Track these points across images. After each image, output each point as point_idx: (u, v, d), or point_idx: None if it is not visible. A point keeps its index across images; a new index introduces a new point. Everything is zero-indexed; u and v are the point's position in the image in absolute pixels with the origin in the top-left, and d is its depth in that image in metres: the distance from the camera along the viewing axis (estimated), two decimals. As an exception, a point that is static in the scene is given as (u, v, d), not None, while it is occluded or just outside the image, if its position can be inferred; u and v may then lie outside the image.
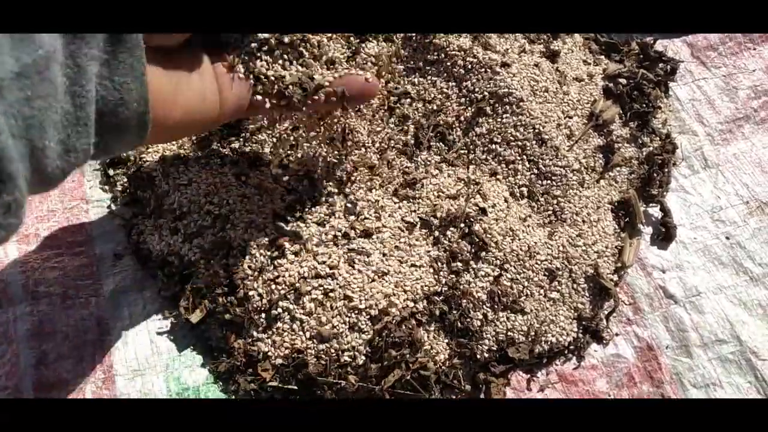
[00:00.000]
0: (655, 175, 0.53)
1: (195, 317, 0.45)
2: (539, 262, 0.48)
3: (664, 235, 0.53)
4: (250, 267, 0.45)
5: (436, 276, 0.46)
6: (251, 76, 0.39)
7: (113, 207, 0.50)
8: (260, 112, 0.41)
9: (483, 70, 0.51)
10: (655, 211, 0.54)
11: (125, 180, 0.50)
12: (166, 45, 0.34)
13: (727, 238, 0.53)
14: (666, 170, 0.54)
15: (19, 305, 0.45)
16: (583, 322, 0.49)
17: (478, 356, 0.46)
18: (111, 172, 0.51)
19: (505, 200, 0.49)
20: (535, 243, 0.48)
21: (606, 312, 0.50)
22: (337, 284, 0.44)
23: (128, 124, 0.30)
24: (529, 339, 0.47)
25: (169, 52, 0.34)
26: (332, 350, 0.43)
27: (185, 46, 0.36)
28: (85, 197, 0.50)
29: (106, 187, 0.51)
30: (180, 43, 0.35)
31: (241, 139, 0.51)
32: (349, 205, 0.48)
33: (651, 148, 0.54)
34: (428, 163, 0.51)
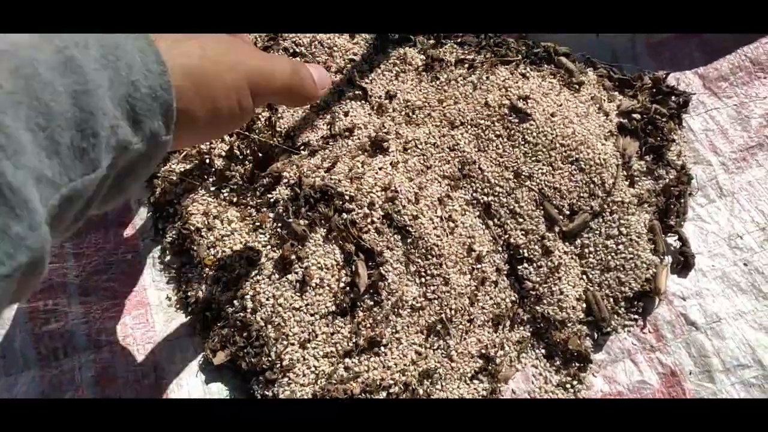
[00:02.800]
0: (672, 206, 0.56)
1: (217, 360, 0.49)
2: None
3: (683, 263, 0.55)
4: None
5: None
6: None
7: (164, 258, 0.54)
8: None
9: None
10: (673, 241, 0.56)
11: (174, 232, 0.54)
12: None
13: (745, 264, 0.55)
14: (682, 201, 0.56)
15: (83, 353, 0.50)
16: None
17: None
18: (160, 225, 0.55)
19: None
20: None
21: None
22: None
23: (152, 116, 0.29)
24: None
25: None
26: None
27: None
28: (138, 248, 0.54)
29: (157, 239, 0.55)
30: None
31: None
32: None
33: (667, 180, 0.57)
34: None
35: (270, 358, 0.48)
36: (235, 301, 0.50)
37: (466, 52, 0.60)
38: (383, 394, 0.47)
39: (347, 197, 0.51)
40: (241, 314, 0.49)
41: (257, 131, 0.57)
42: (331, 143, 0.56)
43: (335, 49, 0.60)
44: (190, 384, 0.50)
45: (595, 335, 0.53)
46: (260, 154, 0.56)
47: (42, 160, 0.24)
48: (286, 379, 0.47)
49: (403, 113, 0.58)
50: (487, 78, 0.57)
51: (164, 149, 0.31)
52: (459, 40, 0.61)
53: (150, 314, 0.52)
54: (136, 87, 0.27)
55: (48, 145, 0.24)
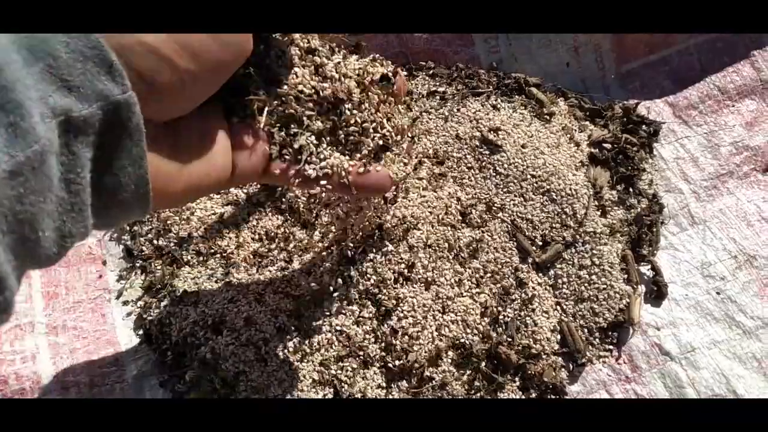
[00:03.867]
0: (644, 235, 0.56)
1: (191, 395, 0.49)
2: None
3: (657, 293, 0.55)
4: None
5: None
6: (274, 140, 0.37)
7: (132, 295, 0.54)
8: (276, 180, 0.39)
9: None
10: (646, 270, 0.56)
11: (142, 271, 0.54)
12: (176, 116, 0.32)
13: (718, 293, 0.55)
14: (654, 230, 0.56)
15: (50, 395, 0.49)
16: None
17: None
18: (126, 265, 0.55)
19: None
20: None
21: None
22: None
23: (129, 204, 0.29)
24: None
25: (177, 119, 0.32)
26: None
27: (195, 111, 0.33)
28: (108, 287, 0.54)
29: (126, 276, 0.55)
30: (190, 111, 0.33)
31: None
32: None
33: (639, 209, 0.57)
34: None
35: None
36: (202, 347, 0.49)
37: (438, 83, 0.60)
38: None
39: None
40: (210, 357, 0.49)
41: None
42: None
43: None
44: (159, 424, 0.49)
45: (571, 366, 0.53)
46: None
47: None
48: None
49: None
50: (458, 110, 0.57)
51: (131, 111, 0.28)
52: (431, 72, 0.61)
53: (119, 354, 0.51)
54: (55, 56, 0.26)
55: None
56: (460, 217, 0.54)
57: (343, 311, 0.50)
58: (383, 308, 0.50)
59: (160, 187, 0.31)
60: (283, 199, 0.55)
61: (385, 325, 0.50)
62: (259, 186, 0.56)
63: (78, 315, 0.52)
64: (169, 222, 0.55)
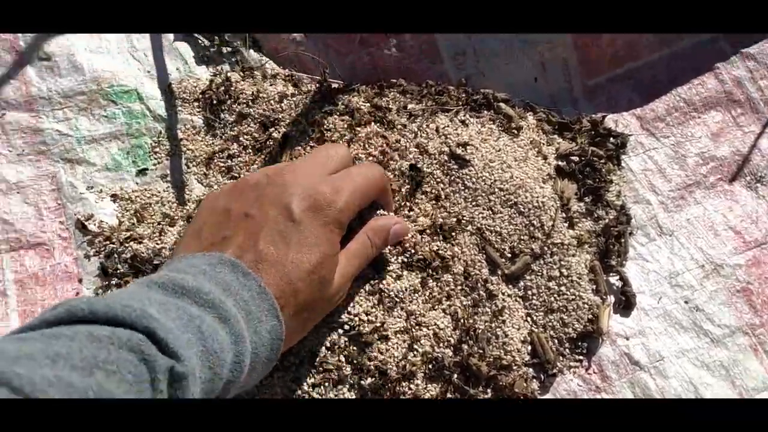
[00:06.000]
0: (612, 246, 0.57)
1: None
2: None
3: (625, 303, 0.55)
4: None
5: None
6: None
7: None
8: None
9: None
10: (615, 281, 0.57)
11: (117, 287, 0.55)
12: None
13: (686, 302, 0.55)
14: (623, 240, 0.57)
15: (23, 413, 0.49)
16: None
17: None
18: (102, 283, 0.55)
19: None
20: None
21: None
22: None
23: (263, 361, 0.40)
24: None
25: None
26: None
27: None
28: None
29: (102, 294, 0.55)
30: None
31: None
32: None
33: (607, 221, 0.58)
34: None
35: None
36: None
37: (408, 100, 0.61)
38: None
39: None
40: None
41: None
42: None
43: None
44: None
45: (542, 377, 0.54)
46: None
47: None
48: None
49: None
50: (427, 126, 0.58)
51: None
52: (401, 88, 0.62)
53: (93, 371, 0.52)
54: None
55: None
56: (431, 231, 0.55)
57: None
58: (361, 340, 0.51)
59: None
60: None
61: (356, 350, 0.50)
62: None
63: (52, 333, 0.53)
64: (143, 240, 0.56)
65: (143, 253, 0.56)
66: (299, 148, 0.59)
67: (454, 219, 0.56)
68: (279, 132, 0.60)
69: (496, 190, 0.56)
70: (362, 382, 0.50)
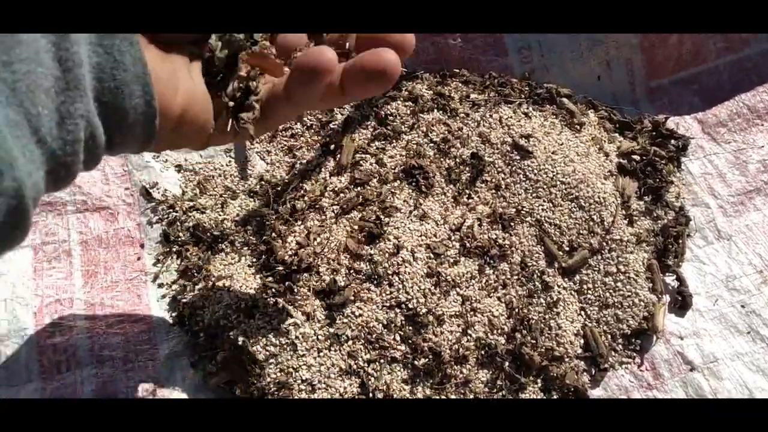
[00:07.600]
0: (670, 246, 0.57)
1: (213, 383, 0.50)
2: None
3: (681, 303, 0.55)
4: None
5: None
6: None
7: (170, 278, 0.56)
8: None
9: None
10: (671, 281, 0.57)
11: (178, 256, 0.56)
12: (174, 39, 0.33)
13: (743, 306, 0.55)
14: (681, 241, 0.57)
15: (85, 368, 0.50)
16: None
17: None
18: (163, 249, 0.56)
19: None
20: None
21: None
22: None
23: (134, 108, 0.29)
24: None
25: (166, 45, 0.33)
26: None
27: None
28: (144, 269, 0.56)
29: (163, 260, 0.56)
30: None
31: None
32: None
33: (666, 221, 0.58)
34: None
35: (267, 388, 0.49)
36: (234, 330, 0.51)
37: (471, 90, 0.62)
38: None
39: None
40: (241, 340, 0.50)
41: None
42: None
43: None
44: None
45: (593, 371, 0.54)
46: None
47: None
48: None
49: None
50: (491, 116, 0.59)
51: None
52: (464, 79, 0.63)
53: (153, 333, 0.53)
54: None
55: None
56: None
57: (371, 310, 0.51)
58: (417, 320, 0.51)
59: (161, 99, 0.31)
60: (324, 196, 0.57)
61: (412, 330, 0.51)
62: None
63: (115, 294, 0.54)
64: (206, 210, 0.57)
65: (205, 222, 0.57)
66: (361, 131, 0.60)
67: (514, 209, 0.56)
68: (342, 115, 0.61)
69: (558, 183, 0.56)
70: (416, 362, 0.51)
